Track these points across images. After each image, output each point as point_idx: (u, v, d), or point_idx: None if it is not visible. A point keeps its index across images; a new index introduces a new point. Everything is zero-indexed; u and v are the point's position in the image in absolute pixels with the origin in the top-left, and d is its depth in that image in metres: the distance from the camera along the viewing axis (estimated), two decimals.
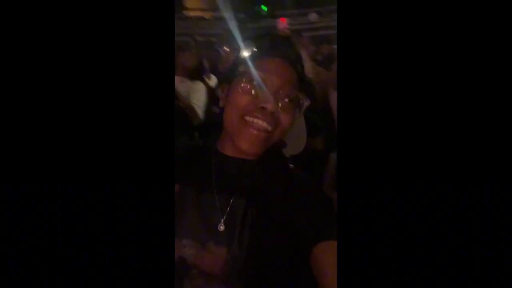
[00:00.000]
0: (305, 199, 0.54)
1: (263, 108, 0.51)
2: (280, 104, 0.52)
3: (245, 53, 0.55)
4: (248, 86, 0.52)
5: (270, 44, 0.56)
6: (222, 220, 0.52)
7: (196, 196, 0.54)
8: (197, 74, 1.98)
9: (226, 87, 0.57)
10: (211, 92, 1.95)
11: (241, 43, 0.57)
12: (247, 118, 0.52)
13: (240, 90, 0.53)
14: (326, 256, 0.47)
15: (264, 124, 0.51)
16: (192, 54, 2.05)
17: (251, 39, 0.57)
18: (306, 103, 0.55)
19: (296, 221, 0.51)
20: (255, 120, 0.51)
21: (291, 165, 0.60)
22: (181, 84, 1.86)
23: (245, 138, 0.52)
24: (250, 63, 0.53)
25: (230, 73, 0.57)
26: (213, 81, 2.14)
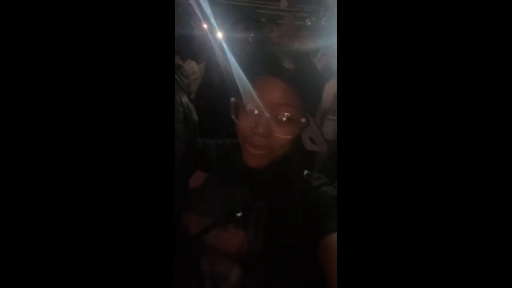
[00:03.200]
0: (316, 196, 0.57)
1: (256, 132, 0.53)
2: (277, 121, 0.53)
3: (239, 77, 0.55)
4: (245, 111, 0.55)
5: (263, 62, 0.56)
6: (240, 209, 0.58)
7: (221, 185, 0.61)
8: None
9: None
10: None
11: None
12: (246, 140, 0.56)
13: (239, 115, 0.56)
14: (332, 248, 0.48)
15: (256, 149, 0.55)
16: None
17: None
18: (303, 120, 0.55)
19: (306, 214, 0.55)
20: (250, 144, 0.55)
21: (307, 171, 0.63)
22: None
23: (247, 156, 0.57)
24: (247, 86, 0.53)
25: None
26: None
